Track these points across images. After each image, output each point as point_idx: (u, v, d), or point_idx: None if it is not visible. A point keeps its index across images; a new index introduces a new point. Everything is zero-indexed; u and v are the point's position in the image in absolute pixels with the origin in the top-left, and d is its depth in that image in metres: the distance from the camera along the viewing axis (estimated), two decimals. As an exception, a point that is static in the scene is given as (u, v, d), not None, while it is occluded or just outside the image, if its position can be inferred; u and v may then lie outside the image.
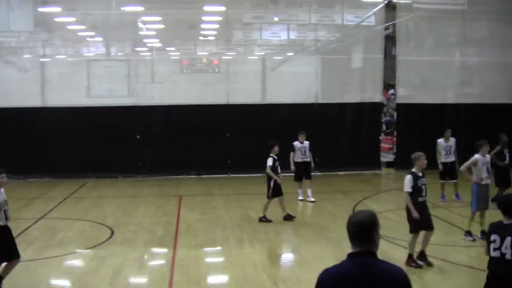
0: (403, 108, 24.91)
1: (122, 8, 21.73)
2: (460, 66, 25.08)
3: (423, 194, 10.87)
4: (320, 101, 24.60)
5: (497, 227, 7.04)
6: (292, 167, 17.39)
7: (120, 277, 10.59)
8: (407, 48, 24.69)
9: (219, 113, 23.34)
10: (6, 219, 9.52)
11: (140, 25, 23.50)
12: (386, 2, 21.27)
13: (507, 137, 16.91)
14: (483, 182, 12.74)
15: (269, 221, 14.89)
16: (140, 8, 22.05)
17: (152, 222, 15.08)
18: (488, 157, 13.13)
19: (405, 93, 25.16)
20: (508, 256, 6.80)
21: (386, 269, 4.17)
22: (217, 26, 24.73)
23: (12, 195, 19.28)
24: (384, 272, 4.12)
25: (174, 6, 22.24)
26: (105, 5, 21.38)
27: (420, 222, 10.76)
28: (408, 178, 10.86)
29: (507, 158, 16.22)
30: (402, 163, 23.70)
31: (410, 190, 10.75)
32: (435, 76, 24.65)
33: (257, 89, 25.19)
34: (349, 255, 4.19)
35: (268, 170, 14.92)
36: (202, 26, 25.11)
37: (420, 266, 10.78)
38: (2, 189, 9.61)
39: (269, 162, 14.92)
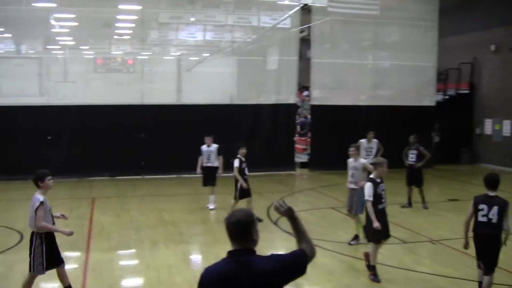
0: (317, 110, 25.35)
1: (33, 4, 21.22)
2: (373, 69, 25.80)
3: (383, 200, 10.41)
4: (236, 102, 24.74)
5: (484, 199, 8.90)
6: (198, 170, 16.89)
7: (30, 282, 10.25)
8: (322, 50, 25.14)
9: (133, 114, 23.02)
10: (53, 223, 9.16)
11: (53, 22, 22.94)
12: (301, 5, 21.60)
13: (413, 138, 17.63)
14: (355, 186, 12.91)
15: None
16: (52, 5, 21.63)
17: (64, 225, 14.59)
18: (360, 161, 13.23)
19: (320, 95, 25.60)
20: (494, 221, 8.69)
21: (264, 266, 4.29)
22: (132, 25, 24.50)
23: None
24: (261, 268, 4.26)
25: (89, 4, 21.87)
26: (16, 0, 20.78)
27: (381, 232, 10.34)
28: (368, 185, 10.34)
29: (409, 159, 17.38)
30: (316, 163, 24.26)
31: (371, 198, 10.21)
32: (349, 79, 25.22)
33: (172, 89, 25.04)
34: (229, 253, 4.34)
35: (236, 172, 14.86)
36: (117, 25, 24.83)
37: (379, 281, 10.35)
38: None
39: (236, 163, 14.88)
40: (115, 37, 25.48)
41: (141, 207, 17.27)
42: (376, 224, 10.07)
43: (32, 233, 8.94)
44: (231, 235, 4.33)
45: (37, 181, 9.20)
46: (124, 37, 25.80)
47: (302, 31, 25.42)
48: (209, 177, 16.75)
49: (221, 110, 23.77)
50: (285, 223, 14.68)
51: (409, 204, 17.16)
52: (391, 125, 24.32)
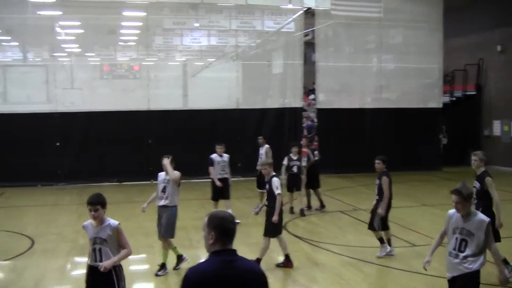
0: (323, 113, 25.35)
1: (39, 12, 21.33)
2: (378, 72, 25.80)
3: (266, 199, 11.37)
4: (241, 106, 24.78)
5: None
6: (218, 182, 15.40)
7: (42, 288, 10.35)
8: (326, 54, 25.21)
9: (140, 119, 23.14)
10: None
11: (58, 29, 23.08)
12: (305, 9, 21.61)
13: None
14: None
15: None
16: (58, 13, 21.72)
17: (74, 231, 14.77)
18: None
19: (325, 98, 25.63)
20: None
21: (248, 265, 4.43)
22: (137, 31, 24.63)
23: None
24: (246, 268, 4.38)
25: (93, 11, 21.97)
26: (21, 9, 20.92)
27: (279, 226, 11.20)
28: (278, 180, 11.11)
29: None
30: (323, 167, 24.18)
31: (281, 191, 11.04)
32: (354, 82, 25.29)
33: (178, 95, 25.16)
34: (214, 253, 4.39)
35: (283, 168, 16.15)
36: (122, 31, 24.95)
37: None
38: None
39: (284, 161, 16.32)
40: (120, 43, 25.61)
41: (150, 213, 17.28)
42: (276, 218, 10.94)
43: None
44: (227, 234, 4.38)
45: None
46: (129, 43, 25.94)
47: (306, 35, 25.48)
48: (223, 190, 15.51)
49: (227, 114, 23.86)
50: (293, 226, 14.76)
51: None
52: (397, 127, 24.42)
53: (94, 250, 7.33)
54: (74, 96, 23.68)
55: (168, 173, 11.06)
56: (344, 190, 20.28)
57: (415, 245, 13.03)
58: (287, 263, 11.24)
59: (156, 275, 10.98)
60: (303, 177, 16.81)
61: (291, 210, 16.66)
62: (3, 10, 21.92)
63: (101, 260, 7.26)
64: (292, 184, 16.50)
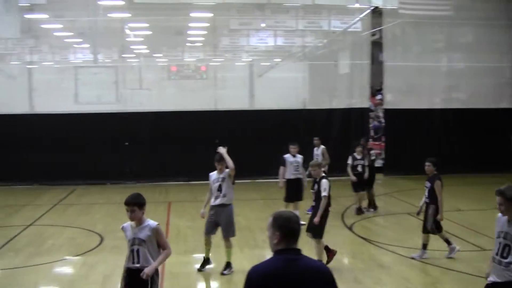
0: (390, 114, 25.02)
1: (109, 15, 21.77)
2: (447, 72, 25.28)
3: (313, 200, 11.30)
4: (308, 107, 24.68)
5: None
6: (281, 184, 15.22)
7: (110, 284, 10.52)
8: (394, 53, 24.84)
9: (207, 119, 23.34)
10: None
11: (127, 31, 23.51)
12: (372, 8, 21.40)
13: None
14: None
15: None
16: (127, 15, 22.10)
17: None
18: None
19: (393, 99, 25.28)
20: None
21: (312, 264, 4.40)
22: (204, 32, 24.84)
23: (0, 202, 19.35)
24: (309, 267, 4.33)
25: (161, 13, 22.24)
26: (92, 11, 21.38)
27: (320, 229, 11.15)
28: (327, 182, 11.09)
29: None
30: (390, 168, 23.90)
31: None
32: (422, 82, 24.81)
33: (244, 95, 25.24)
34: (277, 252, 4.38)
35: (348, 168, 16.55)
36: (189, 32, 25.19)
37: None
38: None
39: (348, 160, 16.47)
40: (188, 44, 25.87)
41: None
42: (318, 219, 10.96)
43: None
44: (292, 234, 4.36)
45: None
46: (197, 44, 26.17)
47: (373, 34, 25.19)
48: (297, 191, 15.08)
49: (294, 115, 23.80)
50: (359, 228, 14.64)
51: None
52: (467, 128, 23.89)
53: (132, 251, 7.16)
54: (142, 96, 24.12)
55: (227, 161, 11.08)
56: (412, 192, 19.96)
57: (485, 249, 12.68)
58: None
59: (222, 274, 11.02)
60: (366, 176, 16.68)
61: (358, 211, 16.49)
62: (75, 13, 22.46)
63: (138, 262, 7.10)
64: (357, 184, 16.37)
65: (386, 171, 24.26)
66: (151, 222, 7.21)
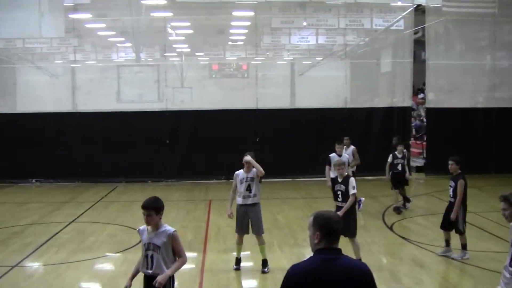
0: (433, 113, 24.70)
1: (151, 14, 21.98)
2: (491, 70, 24.82)
3: (339, 199, 11.11)
4: (349, 105, 24.52)
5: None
6: (329, 183, 14.37)
7: (150, 281, 10.62)
8: (437, 52, 24.50)
9: (248, 118, 23.38)
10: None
11: (169, 30, 23.70)
12: (415, 6, 21.19)
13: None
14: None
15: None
16: (169, 14, 22.29)
17: (182, 226, 15.12)
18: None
19: (435, 98, 24.96)
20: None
21: (352, 263, 4.41)
22: (245, 31, 24.91)
23: (43, 199, 19.72)
24: (349, 266, 4.33)
25: (203, 12, 22.38)
26: (135, 11, 21.62)
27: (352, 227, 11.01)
28: (355, 181, 11.12)
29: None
30: (432, 168, 23.61)
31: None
32: (465, 80, 24.43)
33: (286, 93, 25.24)
34: (317, 251, 4.38)
35: (387, 165, 16.64)
36: (231, 31, 25.31)
37: None
38: None
39: (389, 158, 16.60)
40: (229, 43, 25.99)
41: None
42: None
43: None
44: (333, 234, 4.37)
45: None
46: (238, 42, 26.27)
47: (416, 33, 24.93)
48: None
49: (335, 113, 23.65)
50: (400, 227, 14.51)
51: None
52: (511, 128, 23.46)
53: (146, 256, 6.95)
54: (184, 94, 24.25)
55: (256, 168, 11.08)
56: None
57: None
58: None
59: (263, 272, 11.07)
60: (407, 175, 16.68)
61: (397, 210, 16.37)
62: (118, 12, 22.76)
63: (151, 268, 6.90)
64: (397, 182, 16.27)
65: (428, 171, 23.99)
66: (168, 228, 7.01)
